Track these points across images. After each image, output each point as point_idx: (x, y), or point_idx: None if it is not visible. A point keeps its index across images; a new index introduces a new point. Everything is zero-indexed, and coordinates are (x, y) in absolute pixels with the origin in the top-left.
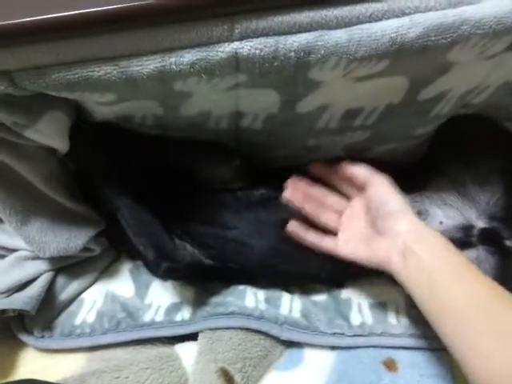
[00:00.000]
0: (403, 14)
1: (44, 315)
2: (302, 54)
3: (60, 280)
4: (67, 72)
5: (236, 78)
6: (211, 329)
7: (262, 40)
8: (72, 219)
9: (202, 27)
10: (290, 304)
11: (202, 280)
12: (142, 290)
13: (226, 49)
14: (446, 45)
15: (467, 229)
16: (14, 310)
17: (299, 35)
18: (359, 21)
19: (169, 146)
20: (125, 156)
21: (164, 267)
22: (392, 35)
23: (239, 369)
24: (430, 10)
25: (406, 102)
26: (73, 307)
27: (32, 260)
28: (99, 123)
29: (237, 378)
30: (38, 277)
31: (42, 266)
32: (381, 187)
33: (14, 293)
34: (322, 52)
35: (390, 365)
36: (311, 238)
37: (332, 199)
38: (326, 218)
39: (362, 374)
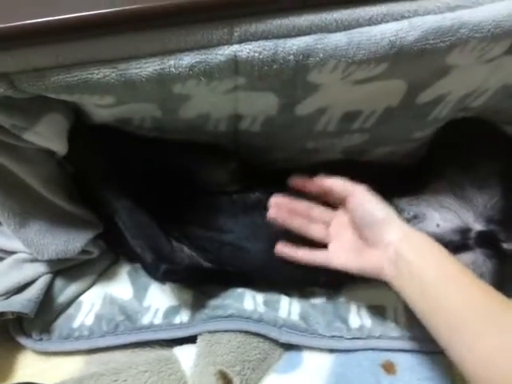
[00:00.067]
0: (402, 17)
1: (42, 318)
2: (300, 57)
3: (58, 282)
4: (66, 74)
5: (235, 80)
6: (210, 331)
7: (261, 43)
8: (70, 222)
9: (202, 30)
10: (289, 307)
11: (201, 283)
12: (140, 292)
13: (225, 52)
14: (444, 48)
15: (464, 232)
16: (12, 313)
17: (298, 38)
18: (358, 24)
19: (166, 149)
20: (123, 158)
21: (162, 269)
22: (391, 38)
23: (238, 371)
24: (429, 13)
25: (405, 105)
26: (71, 310)
27: (30, 262)
28: (98, 125)
29: (236, 380)
30: (36, 279)
31: (40, 268)
32: (361, 198)
33: (12, 295)
34: (321, 55)
35: (389, 368)
36: (301, 254)
37: (317, 211)
38: (314, 231)
39: (360, 377)
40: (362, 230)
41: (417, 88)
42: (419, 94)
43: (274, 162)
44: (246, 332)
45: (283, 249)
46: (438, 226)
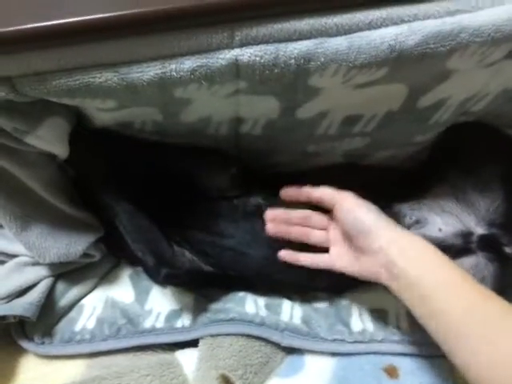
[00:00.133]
0: (402, 21)
1: (44, 321)
2: (302, 61)
3: (60, 286)
4: (68, 78)
5: (236, 84)
6: (212, 335)
7: (263, 47)
8: (72, 225)
9: (203, 34)
10: (291, 310)
11: (202, 286)
12: (142, 296)
13: (226, 56)
14: (444, 52)
15: (466, 235)
16: (14, 316)
17: (299, 42)
18: (359, 28)
19: (167, 153)
20: (124, 162)
21: (164, 273)
22: (391, 43)
23: (240, 375)
24: (429, 17)
25: (405, 109)
26: (73, 313)
27: (32, 266)
28: (99, 129)
29: None
30: (38, 283)
31: (41, 271)
32: (348, 207)
33: (14, 299)
34: (322, 59)
35: (391, 371)
36: (304, 259)
37: (314, 219)
38: (314, 238)
39: (362, 381)
40: (352, 239)
41: (417, 92)
42: (420, 98)
43: (274, 165)
44: (248, 336)
45: (286, 255)
46: (440, 230)
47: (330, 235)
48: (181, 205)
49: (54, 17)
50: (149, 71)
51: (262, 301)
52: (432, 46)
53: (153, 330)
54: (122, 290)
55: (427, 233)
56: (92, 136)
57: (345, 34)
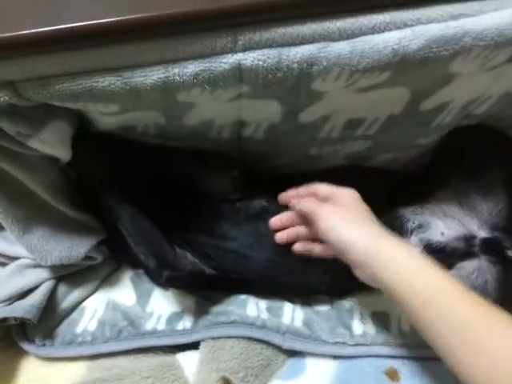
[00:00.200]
0: (405, 25)
1: (45, 323)
2: (304, 66)
3: (61, 288)
4: (71, 82)
5: (239, 88)
6: (213, 338)
7: (265, 51)
8: (74, 228)
9: (206, 39)
10: (292, 313)
11: (204, 289)
12: (143, 298)
13: (229, 60)
14: (447, 56)
15: (469, 239)
16: (15, 319)
17: (302, 47)
18: (362, 32)
19: (169, 156)
20: (126, 165)
21: (166, 276)
22: (394, 47)
23: (241, 378)
24: (432, 21)
25: (408, 112)
26: (74, 315)
27: (33, 268)
28: (101, 133)
29: None
30: (39, 285)
31: (43, 274)
32: (323, 227)
33: (15, 301)
34: (325, 63)
35: (393, 375)
36: (318, 250)
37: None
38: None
39: None
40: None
41: (420, 96)
42: (422, 101)
43: (277, 168)
44: (249, 338)
45: (300, 247)
46: (442, 234)
47: None
48: (183, 207)
49: (58, 22)
50: (152, 75)
51: (263, 304)
52: (435, 49)
53: (154, 333)
54: (124, 292)
55: (430, 237)
56: (94, 139)
57: (347, 38)
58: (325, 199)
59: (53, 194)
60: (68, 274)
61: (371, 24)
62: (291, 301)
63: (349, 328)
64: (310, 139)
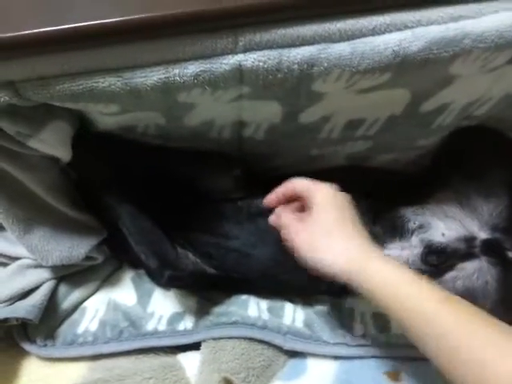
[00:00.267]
0: (406, 27)
1: (47, 324)
2: (305, 67)
3: (62, 288)
4: (71, 83)
5: (239, 89)
6: (214, 338)
7: (266, 52)
8: (74, 228)
9: (207, 39)
10: (293, 314)
11: (205, 289)
12: (144, 298)
13: (229, 61)
14: (447, 58)
15: (469, 240)
16: (16, 319)
17: (302, 48)
18: (362, 34)
19: (170, 156)
20: (126, 165)
21: (167, 276)
22: (394, 48)
23: (243, 378)
24: (432, 23)
25: (408, 113)
26: (75, 316)
27: (34, 268)
28: (101, 133)
29: None
30: (40, 285)
31: (44, 274)
32: (296, 254)
33: (16, 301)
34: (325, 64)
35: (393, 375)
36: None
37: None
38: None
39: None
40: None
41: (420, 97)
42: (423, 102)
43: (277, 168)
44: (251, 339)
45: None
46: (443, 235)
47: None
48: (184, 207)
49: (59, 22)
50: (152, 76)
51: (264, 304)
52: (435, 51)
53: (155, 333)
54: (125, 292)
55: (430, 237)
56: (95, 139)
57: (348, 39)
58: (302, 198)
59: (53, 194)
60: (69, 274)
61: (372, 25)
62: (292, 301)
63: (350, 329)
64: (311, 140)
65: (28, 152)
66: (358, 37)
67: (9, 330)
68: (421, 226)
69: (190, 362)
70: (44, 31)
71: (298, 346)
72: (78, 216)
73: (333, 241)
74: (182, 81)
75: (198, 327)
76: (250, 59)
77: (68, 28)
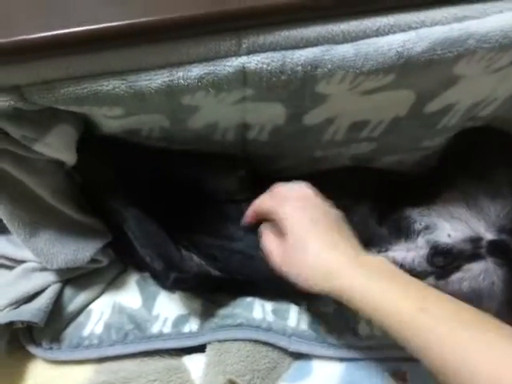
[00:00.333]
0: (409, 28)
1: (52, 327)
2: (308, 68)
3: (68, 291)
4: (76, 86)
5: (243, 91)
6: (219, 341)
7: (269, 54)
8: (80, 231)
9: (210, 42)
10: (298, 316)
11: (210, 291)
12: (149, 301)
13: (233, 63)
14: (452, 59)
15: (475, 241)
16: (22, 322)
17: (306, 49)
18: (366, 35)
19: (174, 158)
20: (131, 168)
21: (172, 278)
22: (398, 49)
23: (248, 381)
24: (436, 24)
25: (412, 114)
26: (81, 318)
27: (40, 271)
28: (106, 136)
29: None
30: (45, 288)
31: (49, 277)
32: (275, 265)
33: (21, 305)
34: (329, 66)
35: (400, 377)
36: None
37: None
38: None
39: None
40: None
41: (425, 98)
42: (427, 103)
43: (281, 170)
44: (256, 341)
45: None
46: (449, 236)
47: None
48: (188, 209)
49: (63, 26)
50: (156, 79)
51: (269, 306)
52: (439, 52)
53: (160, 336)
54: (130, 295)
55: (436, 238)
56: (99, 143)
57: (352, 41)
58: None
59: (58, 198)
60: (74, 277)
61: (375, 27)
62: (297, 303)
63: (355, 330)
64: (315, 141)
65: (33, 156)
66: (362, 38)
67: (14, 333)
68: (427, 227)
69: (195, 364)
70: (48, 35)
71: (303, 348)
72: (83, 219)
73: (308, 256)
74: (186, 83)
75: (203, 329)
76: (253, 61)
77: (72, 31)
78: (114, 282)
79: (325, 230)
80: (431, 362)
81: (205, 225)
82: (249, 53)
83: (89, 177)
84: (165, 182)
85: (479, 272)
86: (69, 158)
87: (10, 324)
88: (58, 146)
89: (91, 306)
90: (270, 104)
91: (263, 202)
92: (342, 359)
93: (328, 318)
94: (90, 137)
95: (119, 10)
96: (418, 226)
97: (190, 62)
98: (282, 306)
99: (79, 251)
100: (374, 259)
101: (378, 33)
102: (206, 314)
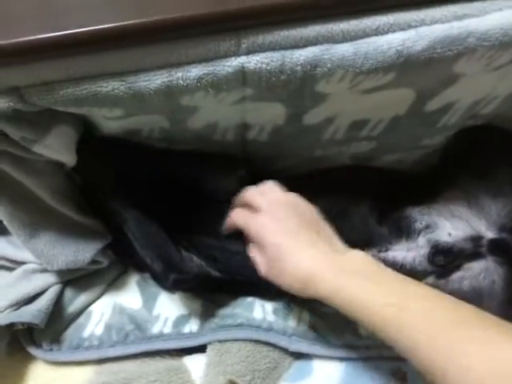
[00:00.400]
0: (409, 26)
1: (52, 328)
2: (308, 68)
3: (68, 293)
4: (75, 88)
5: (243, 91)
6: (220, 341)
7: (269, 54)
8: (80, 232)
9: (209, 42)
10: (299, 316)
11: (210, 291)
12: (149, 302)
13: (232, 63)
14: (451, 57)
15: (476, 240)
16: (22, 324)
17: (305, 49)
18: (365, 34)
19: (174, 158)
20: (131, 169)
21: (172, 279)
22: (398, 48)
23: (248, 381)
24: (436, 22)
25: (412, 113)
26: (81, 320)
27: (40, 273)
28: (106, 137)
29: None
30: (46, 290)
31: (50, 278)
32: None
33: (22, 306)
34: (329, 65)
35: (400, 376)
36: None
37: None
38: None
39: None
40: None
41: (425, 96)
42: (427, 102)
43: (281, 170)
44: (256, 341)
45: None
46: (449, 234)
47: None
48: (188, 210)
49: (62, 27)
50: (156, 80)
51: (269, 306)
52: (439, 50)
53: (160, 336)
54: (130, 296)
55: (437, 237)
56: (99, 144)
57: (351, 40)
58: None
59: (58, 199)
60: (74, 279)
61: (375, 25)
62: (297, 303)
63: (355, 330)
64: (315, 141)
65: (33, 157)
66: (361, 37)
67: (15, 335)
68: (427, 226)
69: (195, 364)
70: (48, 37)
71: (304, 348)
72: (83, 220)
73: (286, 265)
74: (185, 84)
75: (204, 330)
76: (252, 61)
77: (71, 33)
78: (114, 282)
79: (301, 231)
80: (419, 362)
81: (205, 225)
82: (248, 53)
83: (89, 178)
84: (165, 182)
85: (480, 271)
86: (68, 159)
87: (11, 325)
88: (58, 147)
89: (91, 307)
90: (270, 104)
91: (236, 216)
92: (342, 359)
93: (328, 317)
94: (89, 138)
95: (118, 11)
96: (418, 225)
97: (189, 63)
98: (283, 306)
99: (79, 252)
100: (356, 257)
101: (378, 32)
102: (207, 314)
